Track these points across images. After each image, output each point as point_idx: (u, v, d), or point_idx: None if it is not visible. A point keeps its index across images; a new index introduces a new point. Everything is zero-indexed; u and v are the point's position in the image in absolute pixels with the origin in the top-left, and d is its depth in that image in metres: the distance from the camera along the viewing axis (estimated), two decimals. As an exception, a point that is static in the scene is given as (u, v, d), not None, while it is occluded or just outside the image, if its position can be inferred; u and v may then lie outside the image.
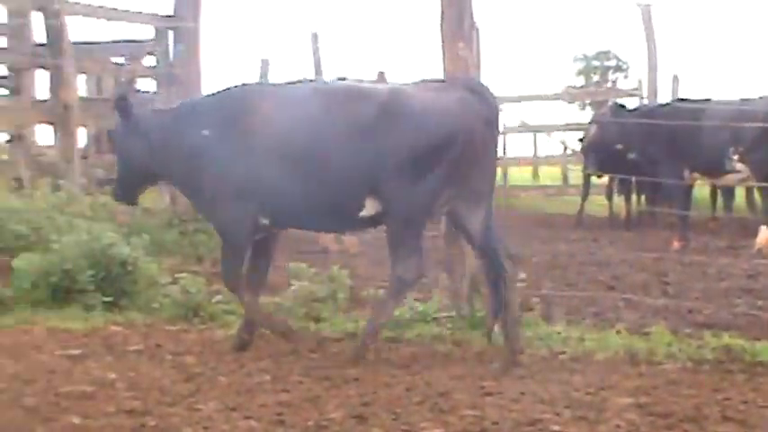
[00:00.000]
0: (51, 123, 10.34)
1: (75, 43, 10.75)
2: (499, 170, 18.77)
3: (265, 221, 6.02)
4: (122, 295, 7.28)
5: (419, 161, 5.71)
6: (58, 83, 10.25)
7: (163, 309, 7.12)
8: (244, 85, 6.26)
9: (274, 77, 16.51)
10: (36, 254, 7.34)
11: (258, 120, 5.93)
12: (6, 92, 13.16)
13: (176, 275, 7.53)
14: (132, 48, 13.32)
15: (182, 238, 10.02)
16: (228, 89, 6.17)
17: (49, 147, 11.56)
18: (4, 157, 11.99)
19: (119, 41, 13.87)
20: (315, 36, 17.44)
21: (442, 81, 6.21)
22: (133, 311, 7.10)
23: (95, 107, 12.20)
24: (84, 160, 11.20)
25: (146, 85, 13.37)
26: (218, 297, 7.24)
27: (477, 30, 6.99)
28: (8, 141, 11.80)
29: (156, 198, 11.54)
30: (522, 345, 5.89)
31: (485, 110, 5.85)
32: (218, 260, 9.43)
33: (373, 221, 5.98)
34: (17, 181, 10.25)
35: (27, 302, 7.09)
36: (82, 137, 11.74)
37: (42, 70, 11.15)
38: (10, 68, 11.90)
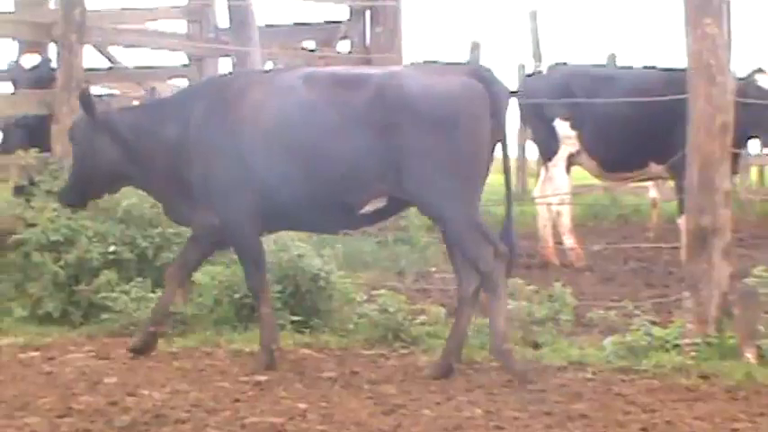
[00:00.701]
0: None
1: (261, 27, 11.02)
2: (754, 170, 18.28)
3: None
4: (313, 314, 7.43)
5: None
6: (242, 72, 10.52)
7: (359, 330, 7.23)
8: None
9: (486, 62, 16.52)
10: (219, 267, 7.58)
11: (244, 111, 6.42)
12: (186, 82, 13.64)
13: (373, 292, 7.64)
14: (324, 31, 13.57)
15: (380, 250, 10.17)
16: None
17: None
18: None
19: (309, 24, 14.17)
20: (533, 15, 17.40)
21: (445, 64, 6.50)
22: (325, 333, 7.24)
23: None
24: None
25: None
26: (422, 317, 7.30)
27: (728, 3, 6.83)
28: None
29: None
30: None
31: (489, 97, 6.14)
32: (423, 275, 9.66)
33: (374, 218, 6.52)
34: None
35: (209, 321, 7.33)
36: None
37: (226, 58, 11.48)
38: (190, 56, 12.31)
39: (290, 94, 6.37)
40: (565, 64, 11.15)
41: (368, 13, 11.86)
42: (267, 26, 12.51)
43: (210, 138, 6.45)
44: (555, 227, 10.78)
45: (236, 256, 7.05)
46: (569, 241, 10.65)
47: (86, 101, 6.74)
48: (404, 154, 6.09)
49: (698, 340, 6.48)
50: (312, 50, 13.00)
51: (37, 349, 6.80)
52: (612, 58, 15.97)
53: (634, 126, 10.21)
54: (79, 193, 6.94)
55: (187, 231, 7.90)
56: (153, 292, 7.43)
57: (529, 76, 12.32)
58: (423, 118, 6.08)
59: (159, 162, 6.60)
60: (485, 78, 6.21)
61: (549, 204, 10.72)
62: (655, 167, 10.35)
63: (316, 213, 6.38)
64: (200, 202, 6.52)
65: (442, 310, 7.47)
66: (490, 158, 6.27)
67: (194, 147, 6.48)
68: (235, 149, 6.37)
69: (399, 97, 6.13)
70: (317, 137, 6.22)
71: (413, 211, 10.55)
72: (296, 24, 13.73)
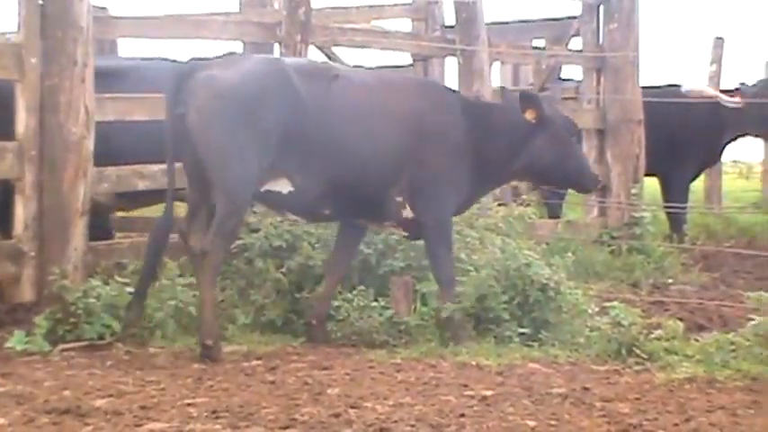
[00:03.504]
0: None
1: (488, 24, 11.01)
2: None
3: None
4: (542, 326, 7.43)
5: None
6: (468, 73, 10.57)
7: (590, 344, 7.17)
8: None
9: (730, 59, 16.17)
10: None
11: None
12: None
13: (606, 304, 7.58)
14: (555, 28, 13.50)
15: (612, 259, 10.08)
16: None
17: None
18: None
19: (539, 21, 14.13)
20: (781, 6, 16.93)
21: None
22: (555, 346, 7.22)
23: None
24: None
25: (571, 72, 13.54)
26: (658, 332, 7.20)
27: None
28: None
29: (581, 210, 11.67)
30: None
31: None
32: (659, 286, 9.53)
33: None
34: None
35: (433, 332, 7.39)
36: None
37: (452, 57, 11.53)
38: (415, 56, 12.43)
39: None
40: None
41: (601, 8, 11.71)
42: (495, 23, 12.54)
43: None
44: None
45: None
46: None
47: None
48: None
49: None
50: (542, 49, 12.97)
51: (260, 358, 6.99)
52: None
53: None
54: None
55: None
56: (375, 300, 7.54)
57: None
58: None
59: None
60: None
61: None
62: None
63: None
64: None
65: (680, 324, 7.35)
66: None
67: None
68: None
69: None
70: None
71: (648, 218, 10.52)
72: (525, 21, 13.72)
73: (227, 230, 6.97)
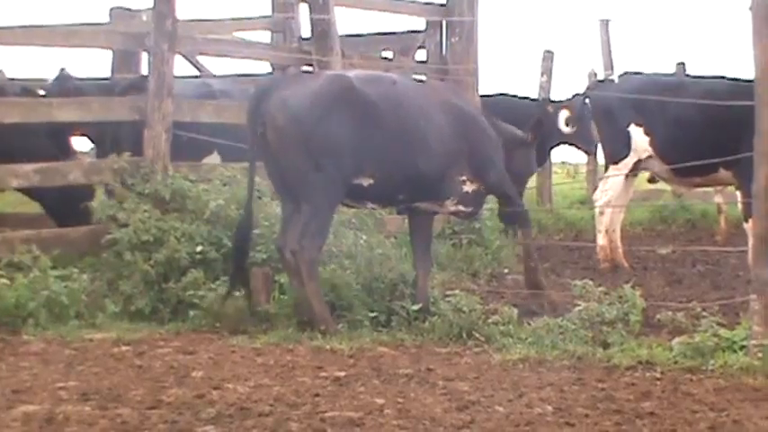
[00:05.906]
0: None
1: (341, 37, 11.00)
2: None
3: None
4: (390, 312, 7.43)
5: None
6: (323, 81, 10.52)
7: (434, 329, 7.20)
8: None
9: (559, 70, 16.41)
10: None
11: None
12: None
13: (448, 292, 7.62)
14: (402, 41, 13.54)
15: (455, 252, 10.15)
16: None
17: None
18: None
19: (387, 33, 14.15)
20: (605, 23, 17.24)
21: None
22: (402, 331, 7.23)
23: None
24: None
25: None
26: (495, 317, 7.26)
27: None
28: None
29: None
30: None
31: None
32: (496, 276, 9.62)
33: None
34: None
35: (291, 319, 7.34)
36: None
37: (308, 67, 11.50)
38: (274, 65, 12.36)
39: None
40: (635, 73, 11.03)
41: (444, 23, 11.79)
42: (348, 36, 12.52)
43: None
44: (622, 229, 10.71)
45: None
46: (601, 241, 10.55)
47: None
48: None
49: (765, 342, 6.37)
50: (390, 60, 12.99)
51: (128, 344, 6.87)
52: (681, 67, 15.79)
53: (706, 133, 10.10)
54: None
55: (270, 233, 7.97)
56: (237, 290, 7.47)
57: (600, 81, 12.22)
58: None
59: None
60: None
61: (619, 207, 10.64)
62: (723, 173, 10.22)
63: None
64: None
65: (515, 310, 7.43)
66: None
67: None
68: None
69: None
70: None
71: (486, 214, 10.62)
72: (375, 34, 13.73)
73: (313, 232, 7.10)
